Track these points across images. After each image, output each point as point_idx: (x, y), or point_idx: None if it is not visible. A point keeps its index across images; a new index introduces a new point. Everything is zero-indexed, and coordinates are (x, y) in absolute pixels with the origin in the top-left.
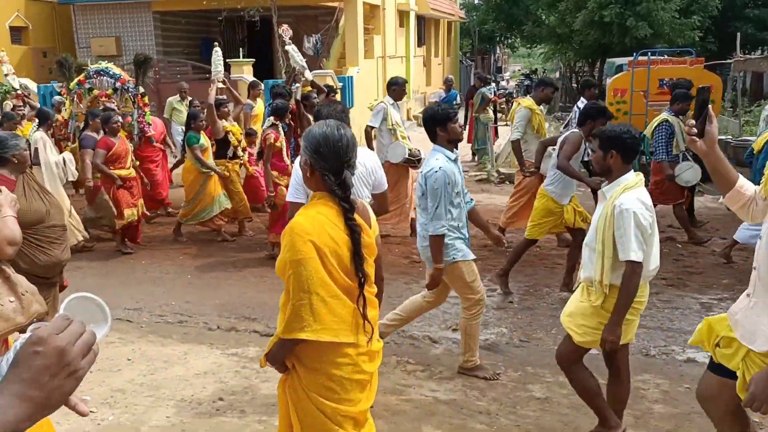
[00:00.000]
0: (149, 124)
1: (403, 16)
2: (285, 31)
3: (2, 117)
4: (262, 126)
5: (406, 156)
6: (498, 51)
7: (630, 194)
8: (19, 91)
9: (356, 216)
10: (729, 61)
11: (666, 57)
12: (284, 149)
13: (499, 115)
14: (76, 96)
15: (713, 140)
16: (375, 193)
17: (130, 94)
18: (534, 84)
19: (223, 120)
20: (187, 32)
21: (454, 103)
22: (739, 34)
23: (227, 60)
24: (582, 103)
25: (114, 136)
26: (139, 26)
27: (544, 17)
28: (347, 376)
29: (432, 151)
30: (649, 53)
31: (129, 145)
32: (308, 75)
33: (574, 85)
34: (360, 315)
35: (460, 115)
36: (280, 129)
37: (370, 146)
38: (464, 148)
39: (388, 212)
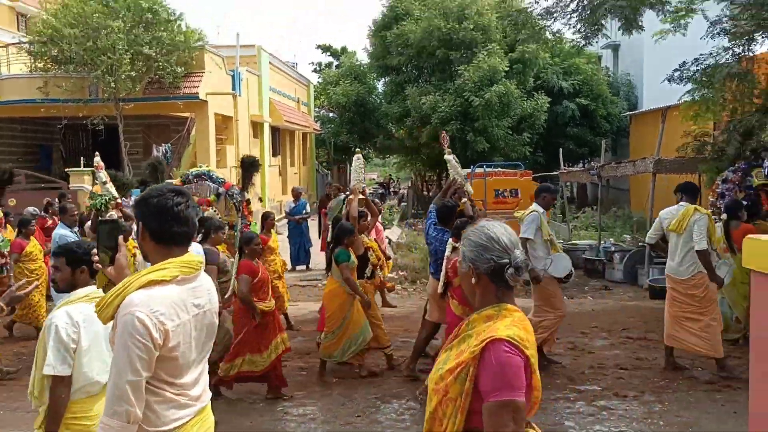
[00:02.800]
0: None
1: (257, 126)
2: (444, 139)
3: None
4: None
5: (571, 268)
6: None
7: (66, 308)
8: (118, 200)
9: None
10: (555, 173)
11: (500, 169)
12: None
13: None
14: None
15: (122, 266)
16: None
17: (235, 201)
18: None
19: (363, 234)
20: (23, 139)
21: (304, 212)
22: (561, 149)
23: (67, 169)
24: None
25: (253, 259)
26: None
27: (394, 131)
28: None
29: None
30: (485, 166)
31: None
32: (469, 188)
33: (426, 193)
34: None
35: (314, 224)
36: None
37: None
38: (319, 256)
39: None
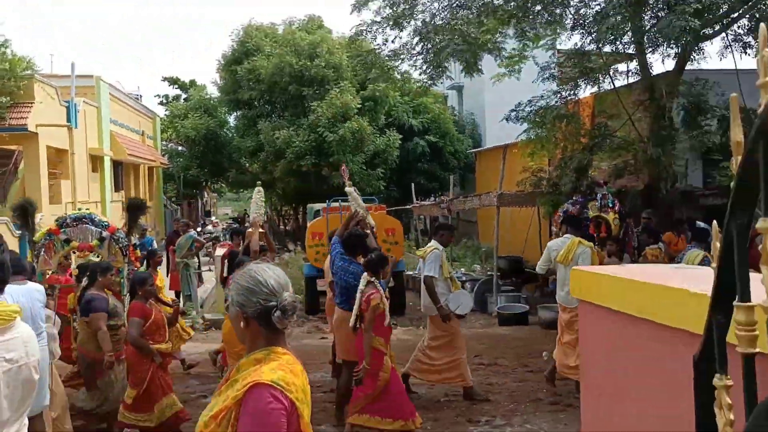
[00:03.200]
0: None
1: (96, 160)
2: (344, 171)
3: None
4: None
5: (472, 305)
6: (206, 195)
7: None
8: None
9: None
10: (408, 206)
11: None
12: (386, 310)
13: (207, 258)
14: (44, 250)
15: None
16: None
17: (120, 246)
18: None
19: None
20: None
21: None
22: (413, 184)
23: None
24: None
25: (146, 301)
26: None
27: (247, 165)
28: None
29: None
30: (340, 200)
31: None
32: (371, 221)
33: (282, 227)
34: None
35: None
36: (379, 286)
37: (434, 298)
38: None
39: None
